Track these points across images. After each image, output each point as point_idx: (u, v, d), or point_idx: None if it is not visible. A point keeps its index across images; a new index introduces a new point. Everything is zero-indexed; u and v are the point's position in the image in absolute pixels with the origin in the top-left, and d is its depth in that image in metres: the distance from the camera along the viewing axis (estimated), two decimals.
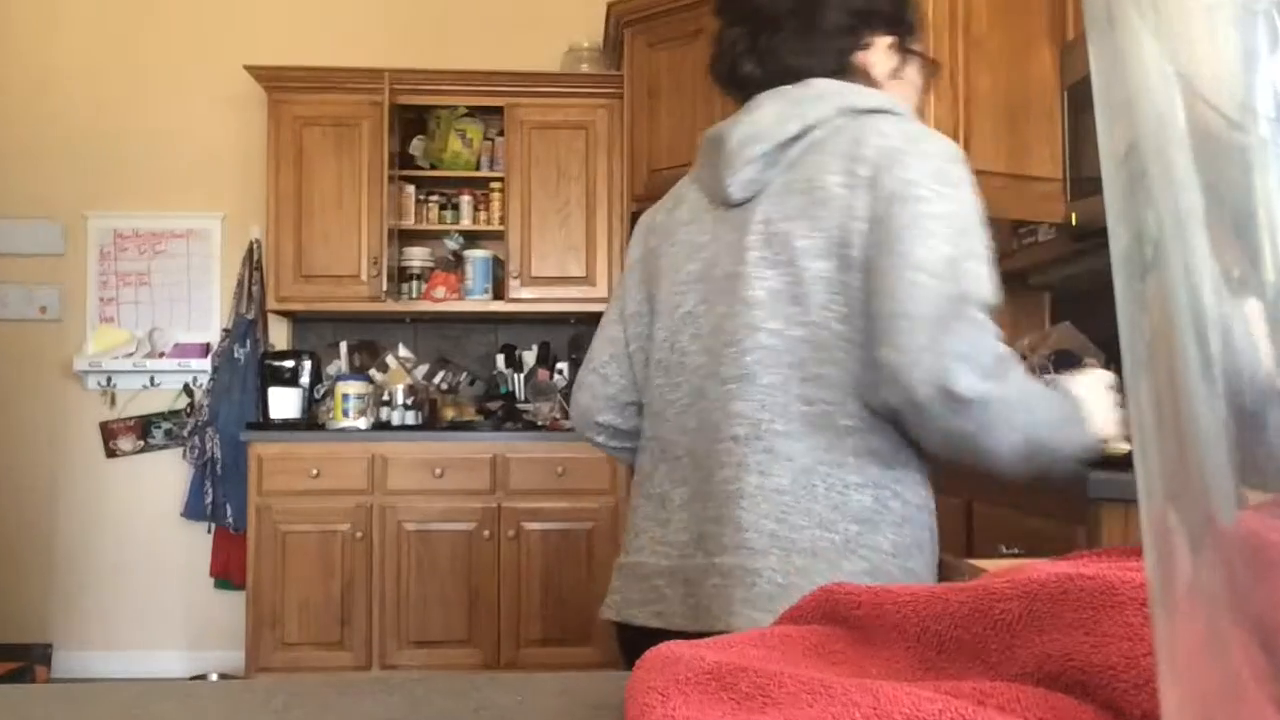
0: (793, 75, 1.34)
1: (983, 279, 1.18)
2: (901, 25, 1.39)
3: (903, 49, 1.39)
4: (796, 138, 1.28)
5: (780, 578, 1.20)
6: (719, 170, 1.33)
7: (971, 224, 1.21)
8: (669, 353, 1.36)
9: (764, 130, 1.29)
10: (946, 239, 1.17)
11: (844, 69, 1.35)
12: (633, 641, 1.28)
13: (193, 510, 4.47)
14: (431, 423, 4.36)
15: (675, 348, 1.35)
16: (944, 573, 1.31)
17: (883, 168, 1.21)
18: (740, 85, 1.39)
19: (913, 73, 1.42)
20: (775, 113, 1.30)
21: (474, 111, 4.51)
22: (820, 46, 1.35)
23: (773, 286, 1.26)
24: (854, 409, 1.23)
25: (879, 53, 1.37)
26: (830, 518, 1.22)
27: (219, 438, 4.39)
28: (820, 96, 1.30)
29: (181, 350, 4.62)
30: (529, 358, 4.60)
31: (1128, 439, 1.58)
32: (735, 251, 1.30)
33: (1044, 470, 1.25)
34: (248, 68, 4.29)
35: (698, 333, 1.33)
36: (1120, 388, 1.65)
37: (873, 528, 1.22)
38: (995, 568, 0.66)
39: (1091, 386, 1.33)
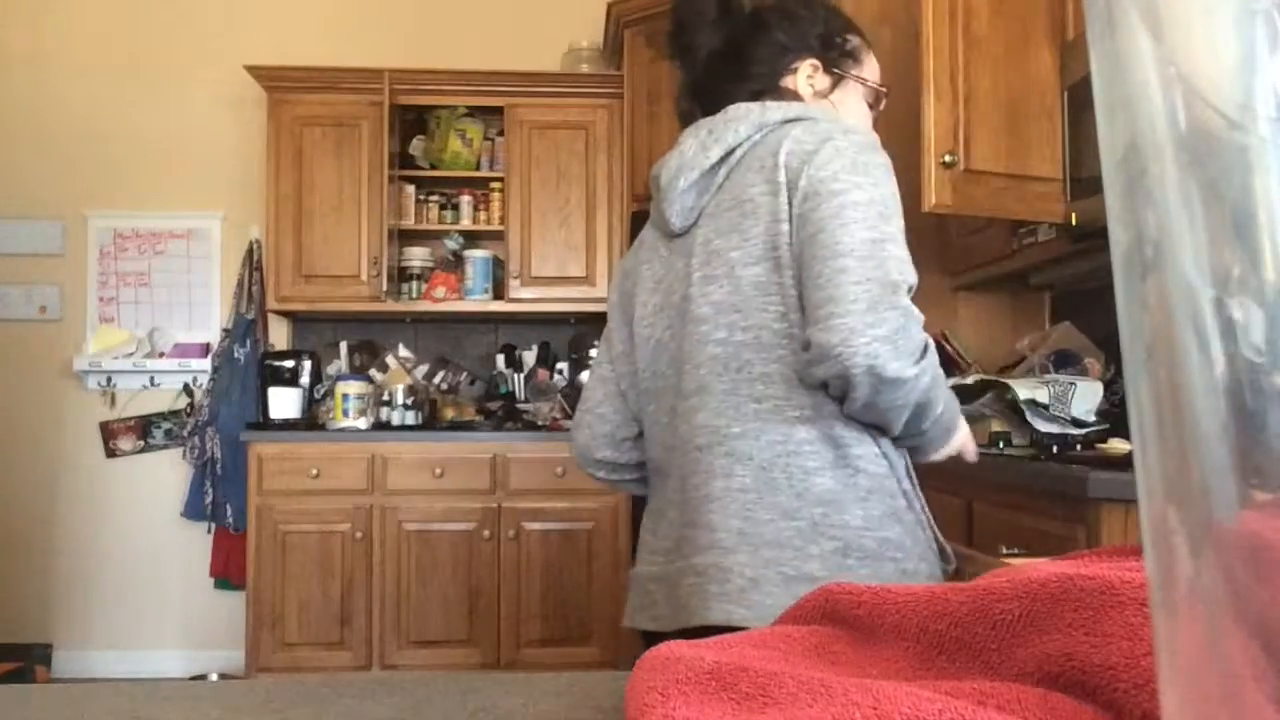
0: (724, 100, 1.45)
1: (904, 261, 1.27)
2: (830, 49, 1.49)
3: (831, 71, 1.49)
4: (720, 161, 1.39)
5: (750, 571, 1.28)
6: (660, 205, 1.44)
7: (890, 209, 1.29)
8: (651, 380, 1.47)
9: (689, 161, 1.40)
10: (867, 224, 1.25)
11: (772, 90, 1.46)
12: (648, 646, 1.33)
13: (193, 510, 4.47)
14: (431, 423, 4.36)
15: (655, 374, 1.46)
16: (973, 568, 1.34)
17: (799, 170, 1.29)
18: (683, 119, 1.52)
19: (850, 95, 1.51)
20: (697, 143, 1.41)
21: (474, 111, 4.51)
22: (748, 74, 1.46)
23: (715, 300, 1.35)
24: (802, 400, 1.31)
25: (805, 74, 1.48)
26: (793, 506, 1.29)
27: (219, 438, 4.39)
28: (736, 119, 1.40)
29: (181, 350, 4.62)
30: (529, 358, 4.60)
31: (1071, 419, 1.58)
32: (684, 276, 1.41)
33: (909, 444, 1.38)
34: (248, 68, 4.29)
35: (671, 357, 1.43)
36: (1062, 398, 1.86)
37: (838, 507, 1.29)
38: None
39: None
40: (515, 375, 4.52)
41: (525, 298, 4.38)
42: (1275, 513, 0.16)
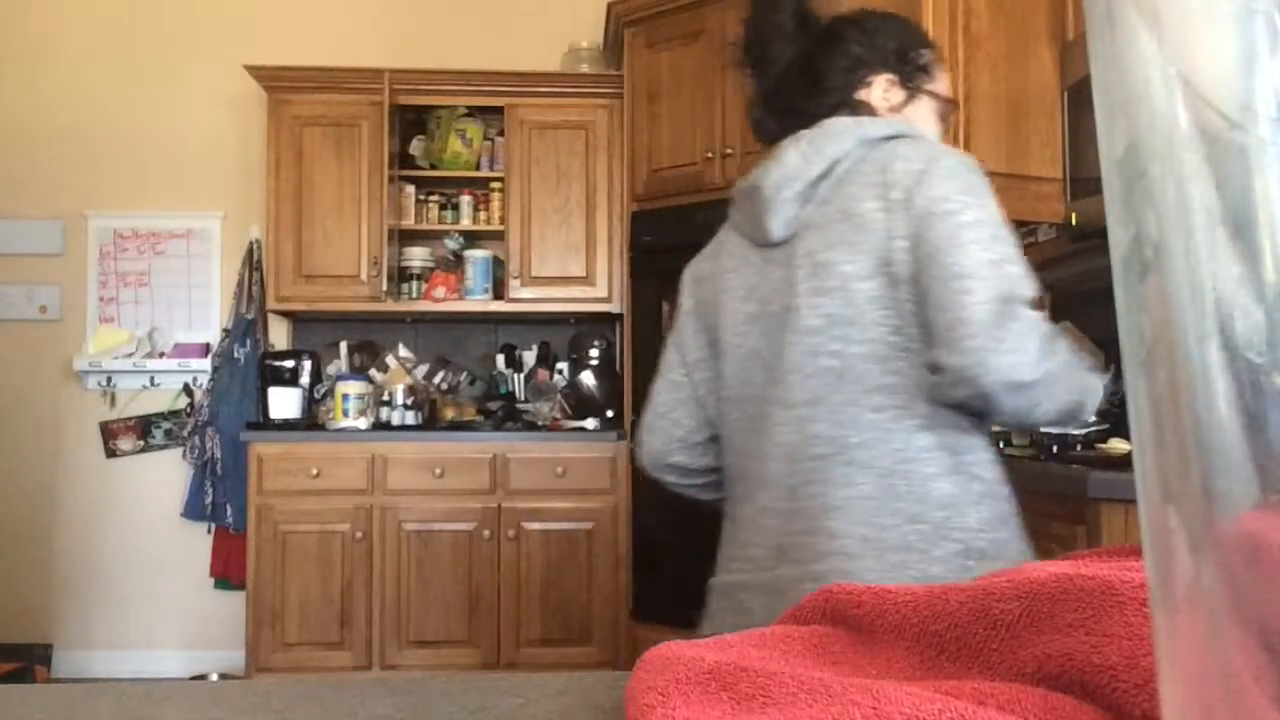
0: (803, 117, 1.47)
1: (1020, 277, 1.30)
2: (905, 64, 1.51)
3: (906, 86, 1.51)
4: (824, 175, 1.40)
5: (875, 576, 1.29)
6: (759, 215, 1.45)
7: (1000, 228, 1.33)
8: (740, 388, 1.48)
9: (792, 172, 1.41)
10: (983, 245, 1.29)
11: (847, 104, 1.48)
12: None
13: (193, 510, 4.47)
14: (431, 423, 4.36)
15: (746, 382, 1.47)
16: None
17: (912, 189, 1.32)
18: (760, 132, 1.55)
19: (923, 109, 1.53)
20: (798, 154, 1.42)
21: (474, 111, 4.51)
22: (823, 87, 1.49)
23: (827, 312, 1.37)
24: (919, 409, 1.34)
25: (879, 89, 1.50)
26: (917, 511, 1.32)
27: (219, 438, 4.39)
28: (838, 133, 1.41)
29: (181, 350, 4.62)
30: (529, 358, 4.60)
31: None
32: (785, 286, 1.42)
33: (1067, 422, 1.46)
34: (248, 68, 4.29)
35: (766, 366, 1.44)
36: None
37: (958, 511, 1.33)
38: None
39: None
40: (515, 375, 4.52)
41: (525, 298, 4.38)
42: (1275, 513, 0.16)
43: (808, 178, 1.40)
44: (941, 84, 1.57)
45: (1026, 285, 1.30)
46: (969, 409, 1.34)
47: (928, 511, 1.32)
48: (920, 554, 1.31)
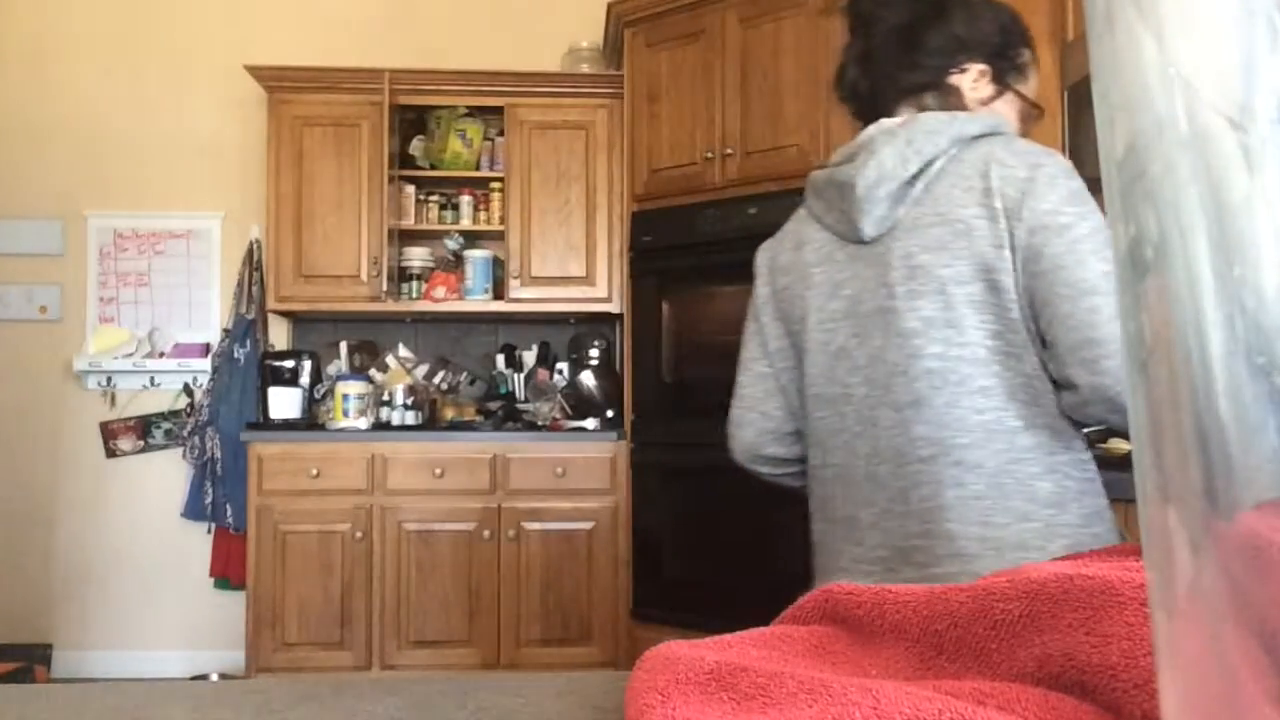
0: (891, 85, 1.47)
1: None
2: (1002, 60, 1.48)
3: (998, 81, 1.49)
4: (918, 174, 1.38)
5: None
6: (850, 212, 1.42)
7: (1108, 232, 1.27)
8: (827, 385, 1.47)
9: (888, 172, 1.39)
10: (1101, 256, 1.27)
11: (937, 86, 1.46)
12: None
13: (193, 510, 4.47)
14: (431, 423, 4.36)
15: (834, 380, 1.46)
16: None
17: (1019, 200, 1.31)
18: (848, 91, 1.52)
19: (1007, 107, 1.50)
20: (894, 154, 1.39)
21: (474, 111, 4.51)
22: (920, 63, 1.46)
23: (927, 315, 1.36)
24: (1017, 410, 1.34)
25: (971, 78, 1.47)
26: (1027, 509, 1.33)
27: (219, 438, 4.39)
28: (932, 132, 1.39)
29: (181, 350, 4.62)
30: (529, 358, 4.60)
31: None
32: (880, 286, 1.40)
33: None
34: (248, 68, 4.29)
35: (855, 365, 1.43)
36: None
37: (1061, 508, 1.34)
38: None
39: None
40: (515, 375, 4.52)
41: (525, 298, 4.38)
42: (1275, 513, 0.16)
43: (901, 178, 1.39)
44: (1031, 86, 1.54)
45: None
46: (1083, 419, 1.34)
47: (1037, 510, 1.33)
48: (1037, 551, 1.31)
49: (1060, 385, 1.32)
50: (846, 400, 1.44)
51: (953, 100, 1.46)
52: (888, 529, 1.40)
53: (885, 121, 1.45)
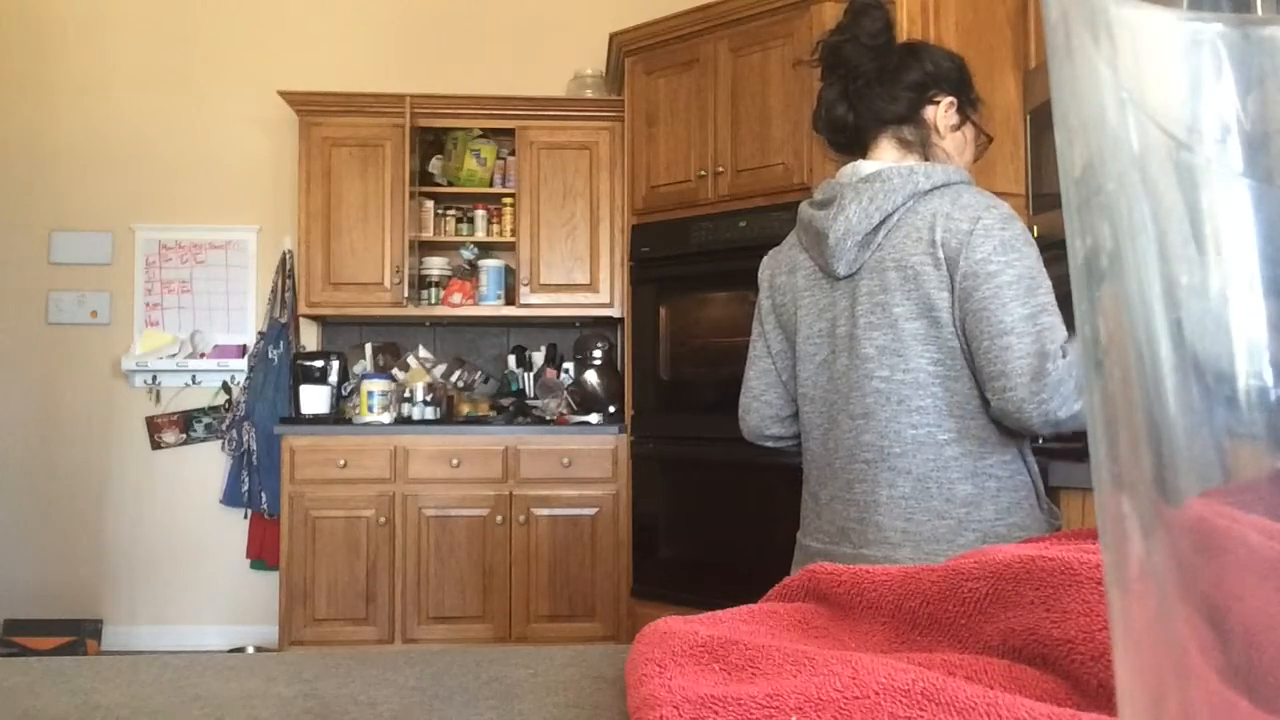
0: (874, 118, 1.58)
1: (1056, 327, 1.41)
2: (964, 92, 1.62)
3: (962, 112, 1.61)
4: (879, 225, 1.52)
5: (912, 561, 1.46)
6: (825, 255, 1.57)
7: (1037, 279, 1.43)
8: (811, 388, 1.63)
9: (854, 226, 1.53)
10: (1020, 301, 1.40)
11: (913, 118, 1.58)
12: None
13: (231, 497, 4.47)
14: (449, 417, 4.36)
15: (816, 384, 1.62)
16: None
17: (958, 250, 1.44)
18: (835, 128, 1.62)
19: (969, 135, 1.63)
20: (859, 210, 1.53)
21: (488, 133, 4.51)
22: (899, 95, 1.58)
23: (879, 344, 1.51)
24: (948, 425, 1.48)
25: (943, 108, 1.59)
26: (944, 509, 1.47)
27: (255, 431, 4.38)
28: (891, 190, 1.52)
29: (220, 351, 4.62)
30: (538, 358, 4.59)
31: None
32: (849, 316, 1.56)
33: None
34: (281, 93, 4.29)
35: (831, 376, 1.59)
36: None
37: (976, 506, 1.47)
38: None
39: None
40: (525, 374, 4.52)
41: (534, 303, 4.38)
42: (1221, 500, 0.16)
43: (865, 229, 1.52)
44: (981, 118, 1.67)
45: (1059, 333, 1.40)
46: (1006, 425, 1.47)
47: (953, 509, 1.47)
48: (947, 543, 1.45)
49: (984, 402, 1.47)
50: (822, 401, 1.61)
51: (924, 132, 1.58)
52: (835, 511, 1.57)
53: (862, 166, 1.57)
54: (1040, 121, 2.50)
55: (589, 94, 4.46)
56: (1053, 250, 2.43)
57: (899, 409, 1.50)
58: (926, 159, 1.59)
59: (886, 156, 1.59)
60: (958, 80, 1.60)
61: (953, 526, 1.46)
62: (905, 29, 2.44)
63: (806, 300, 1.63)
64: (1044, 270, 1.44)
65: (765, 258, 1.75)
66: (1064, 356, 1.39)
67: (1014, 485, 1.50)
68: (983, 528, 1.47)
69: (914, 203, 1.50)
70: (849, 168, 1.58)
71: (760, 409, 1.72)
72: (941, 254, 1.44)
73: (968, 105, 1.62)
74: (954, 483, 1.47)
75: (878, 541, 1.50)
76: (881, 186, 1.52)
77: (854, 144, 1.62)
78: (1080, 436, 2.24)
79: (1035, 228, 2.47)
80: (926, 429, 1.49)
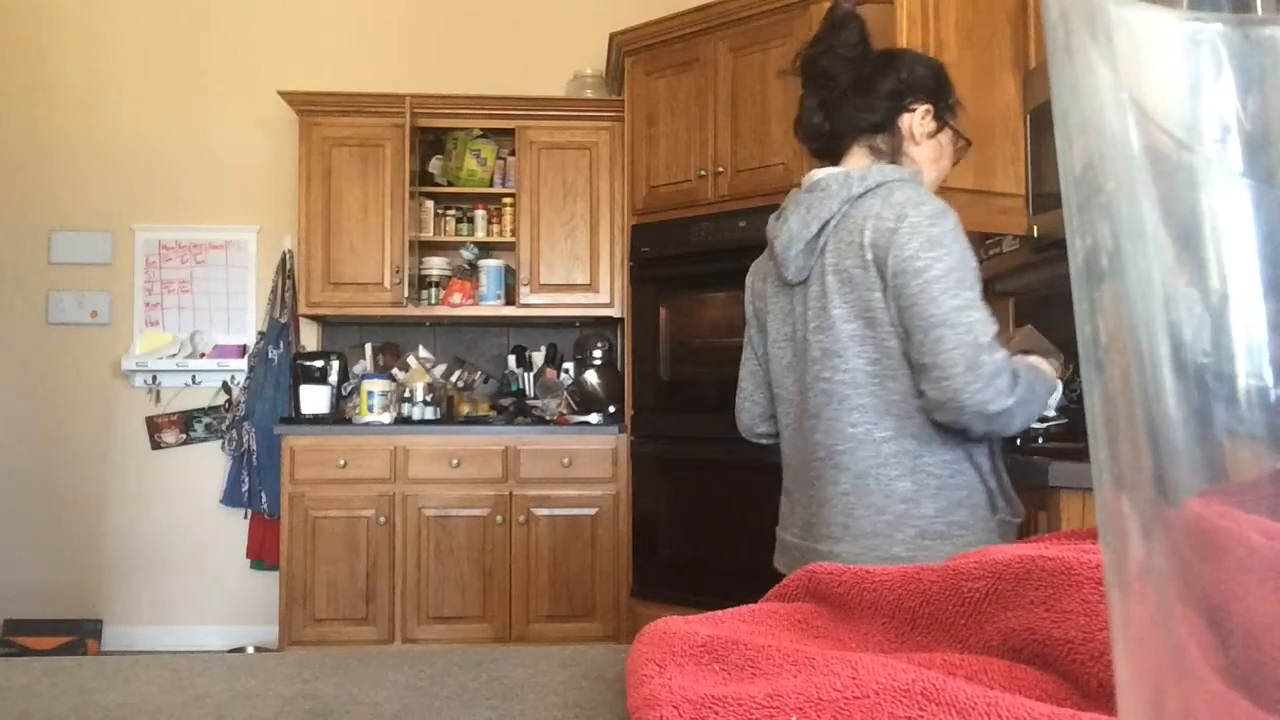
0: (851, 127, 1.63)
1: (984, 320, 1.44)
2: (940, 99, 1.64)
3: (938, 118, 1.64)
4: (819, 232, 1.58)
5: (851, 556, 1.53)
6: (778, 264, 1.65)
7: (964, 273, 1.45)
8: (781, 390, 1.70)
9: (795, 235, 1.60)
10: (950, 294, 1.43)
11: (888, 126, 1.62)
12: None
13: (231, 497, 4.47)
14: (449, 417, 4.36)
15: (784, 387, 1.69)
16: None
17: (885, 248, 1.48)
18: (812, 136, 1.67)
19: (946, 140, 1.66)
20: (799, 220, 1.60)
21: (487, 133, 4.51)
22: (875, 105, 1.62)
23: (823, 346, 1.57)
24: (887, 424, 1.52)
25: (919, 115, 1.63)
26: (883, 504, 1.52)
27: (255, 431, 4.38)
28: (827, 198, 1.57)
29: (220, 351, 4.62)
30: (538, 358, 4.59)
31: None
32: (803, 320, 1.62)
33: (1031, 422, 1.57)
34: (281, 93, 4.29)
35: (795, 379, 1.66)
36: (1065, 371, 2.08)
37: (915, 503, 1.51)
38: None
39: (1037, 360, 1.67)
40: (525, 374, 4.52)
41: (534, 303, 4.38)
42: (1219, 500, 0.16)
43: (806, 237, 1.58)
44: (961, 123, 1.69)
45: (988, 326, 1.43)
46: (940, 420, 1.49)
47: (892, 505, 1.51)
48: (885, 538, 1.51)
49: (919, 395, 1.49)
50: (789, 402, 1.68)
51: (897, 140, 1.62)
52: (801, 506, 1.65)
53: (814, 174, 1.62)
54: (1040, 121, 2.50)
55: (589, 94, 4.46)
56: (1054, 250, 2.44)
57: (840, 408, 1.55)
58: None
59: (858, 165, 1.63)
60: (934, 87, 1.63)
61: (890, 522, 1.51)
62: (905, 29, 2.44)
63: (774, 306, 1.70)
64: (973, 265, 1.47)
65: (751, 267, 1.82)
66: (1000, 351, 1.43)
67: (956, 484, 1.52)
68: (920, 524, 1.50)
69: (849, 207, 1.55)
70: (807, 176, 1.64)
71: (750, 408, 1.80)
72: (870, 255, 1.49)
73: (946, 111, 1.65)
74: (893, 480, 1.52)
75: (825, 537, 1.57)
76: (820, 195, 1.58)
77: (830, 152, 1.67)
78: (1081, 436, 2.23)
79: (1036, 228, 2.47)
80: (865, 427, 1.53)
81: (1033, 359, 1.63)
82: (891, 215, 1.48)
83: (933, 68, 1.66)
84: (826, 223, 1.56)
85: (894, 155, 1.63)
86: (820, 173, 1.61)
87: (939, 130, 1.64)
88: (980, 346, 1.41)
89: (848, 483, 1.54)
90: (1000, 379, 1.41)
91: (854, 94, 1.61)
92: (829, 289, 1.55)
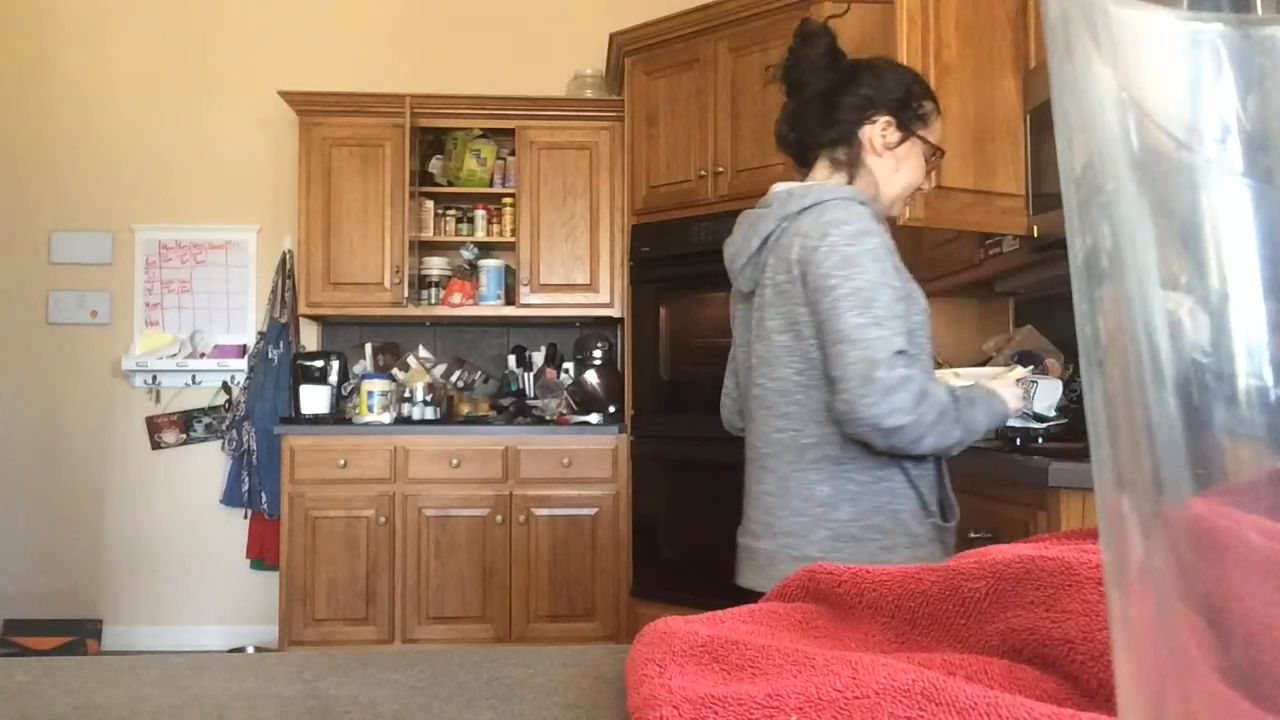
0: (813, 141, 1.68)
1: (885, 338, 1.49)
2: (905, 110, 1.66)
3: (903, 128, 1.66)
4: (761, 247, 1.65)
5: (768, 553, 1.63)
6: (731, 276, 1.73)
7: (872, 294, 1.51)
8: (744, 390, 1.77)
9: (739, 249, 1.70)
10: (855, 312, 1.49)
11: (847, 141, 1.66)
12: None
13: (231, 497, 4.47)
14: (449, 417, 4.36)
15: (744, 388, 1.76)
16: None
17: (806, 265, 1.55)
18: (784, 146, 1.74)
19: (914, 151, 1.68)
20: (742, 235, 1.70)
21: (487, 133, 4.51)
22: (837, 120, 1.66)
23: (760, 354, 1.66)
24: (811, 431, 1.59)
25: (880, 127, 1.65)
26: (801, 506, 1.60)
27: (255, 431, 4.38)
28: (769, 215, 1.64)
29: (220, 351, 4.62)
30: (538, 358, 4.59)
31: (1033, 415, 1.84)
32: (751, 327, 1.70)
33: (956, 448, 1.59)
34: (281, 93, 4.29)
35: (748, 381, 1.73)
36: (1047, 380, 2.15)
37: (833, 507, 1.58)
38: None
39: (1004, 381, 1.71)
40: (525, 374, 4.52)
41: (534, 303, 4.38)
42: (1220, 500, 0.16)
43: (748, 252, 1.66)
44: (934, 133, 1.70)
45: (890, 344, 1.47)
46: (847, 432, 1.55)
47: (811, 507, 1.58)
48: (800, 538, 1.58)
49: (828, 408, 1.55)
50: (746, 402, 1.75)
51: (855, 152, 1.66)
52: (748, 502, 1.72)
53: (773, 188, 1.69)
54: (1040, 121, 2.50)
55: (589, 94, 4.46)
56: (1054, 250, 2.44)
57: (769, 414, 1.64)
58: (852, 180, 1.66)
59: (819, 176, 1.69)
60: (899, 98, 1.65)
61: (807, 524, 1.58)
62: (905, 29, 2.43)
63: (738, 312, 1.78)
64: (887, 285, 1.51)
65: None
66: (900, 369, 1.46)
67: (878, 490, 1.57)
68: (835, 527, 1.57)
69: (787, 224, 1.61)
70: (771, 188, 1.70)
71: (730, 405, 1.88)
72: (797, 271, 1.56)
73: (913, 121, 1.66)
74: (813, 484, 1.59)
75: (749, 532, 1.67)
76: (764, 212, 1.66)
77: (800, 162, 1.73)
78: (1081, 436, 2.23)
79: (1036, 228, 2.47)
80: (790, 433, 1.61)
81: (997, 384, 1.66)
82: (817, 234, 1.54)
83: (903, 78, 1.68)
84: (766, 238, 1.64)
85: (852, 167, 1.66)
86: (780, 186, 1.67)
87: (904, 140, 1.66)
88: (876, 362, 1.46)
89: (772, 483, 1.63)
90: (897, 396, 1.45)
91: (816, 107, 1.66)
92: (767, 301, 1.63)
